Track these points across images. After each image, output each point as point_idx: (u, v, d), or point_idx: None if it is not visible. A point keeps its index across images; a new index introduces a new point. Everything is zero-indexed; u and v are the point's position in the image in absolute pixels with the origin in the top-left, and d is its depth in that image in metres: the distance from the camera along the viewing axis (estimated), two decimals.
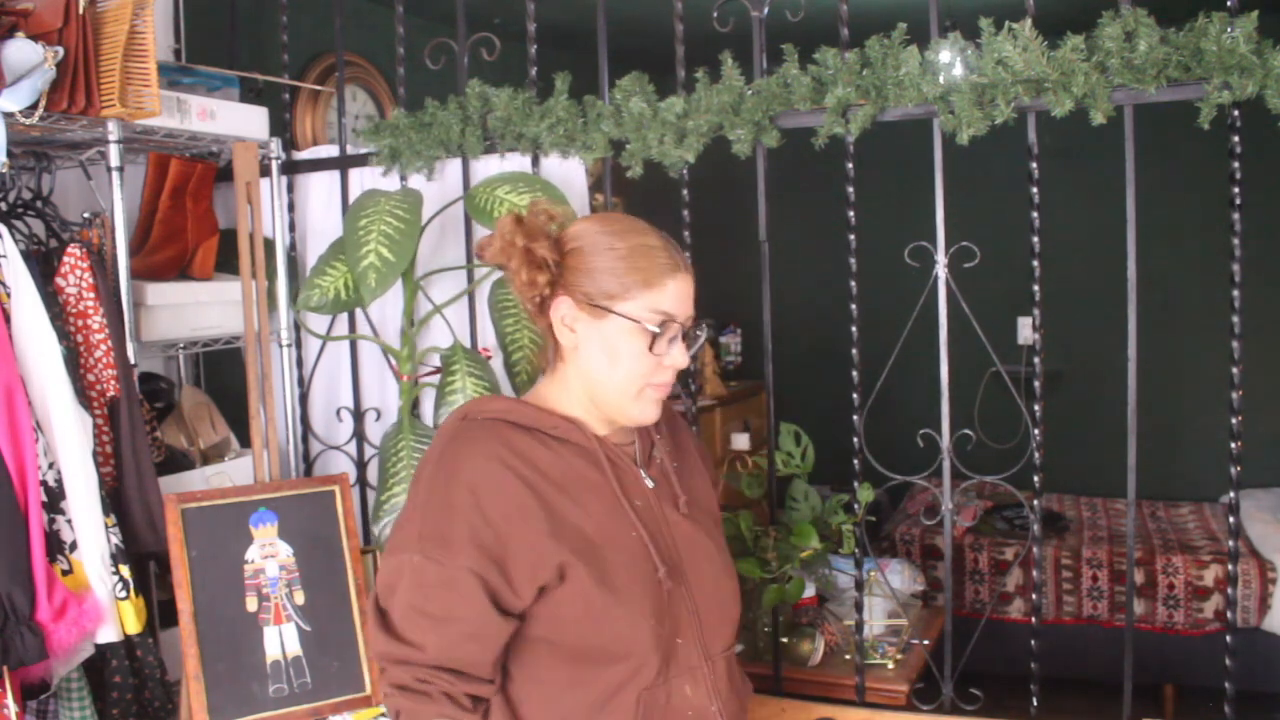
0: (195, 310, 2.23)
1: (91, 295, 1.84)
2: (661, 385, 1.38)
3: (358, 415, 2.44)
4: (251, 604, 1.85)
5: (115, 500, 1.84)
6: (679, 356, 1.36)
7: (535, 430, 1.36)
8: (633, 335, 1.34)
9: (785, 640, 2.43)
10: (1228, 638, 1.89)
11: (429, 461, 1.36)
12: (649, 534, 1.36)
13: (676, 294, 1.35)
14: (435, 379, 2.15)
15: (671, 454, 1.48)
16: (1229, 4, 1.77)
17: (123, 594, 1.77)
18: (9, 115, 1.72)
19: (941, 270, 2.01)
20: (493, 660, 1.30)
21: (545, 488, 1.31)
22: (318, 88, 3.14)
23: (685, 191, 2.18)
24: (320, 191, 2.48)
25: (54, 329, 1.74)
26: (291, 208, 2.47)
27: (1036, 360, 2.00)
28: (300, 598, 1.89)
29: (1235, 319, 1.87)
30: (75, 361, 1.81)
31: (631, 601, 1.31)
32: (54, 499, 1.72)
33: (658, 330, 1.33)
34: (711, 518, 1.50)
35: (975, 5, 2.08)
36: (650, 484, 1.41)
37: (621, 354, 1.34)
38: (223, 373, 2.58)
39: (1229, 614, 1.90)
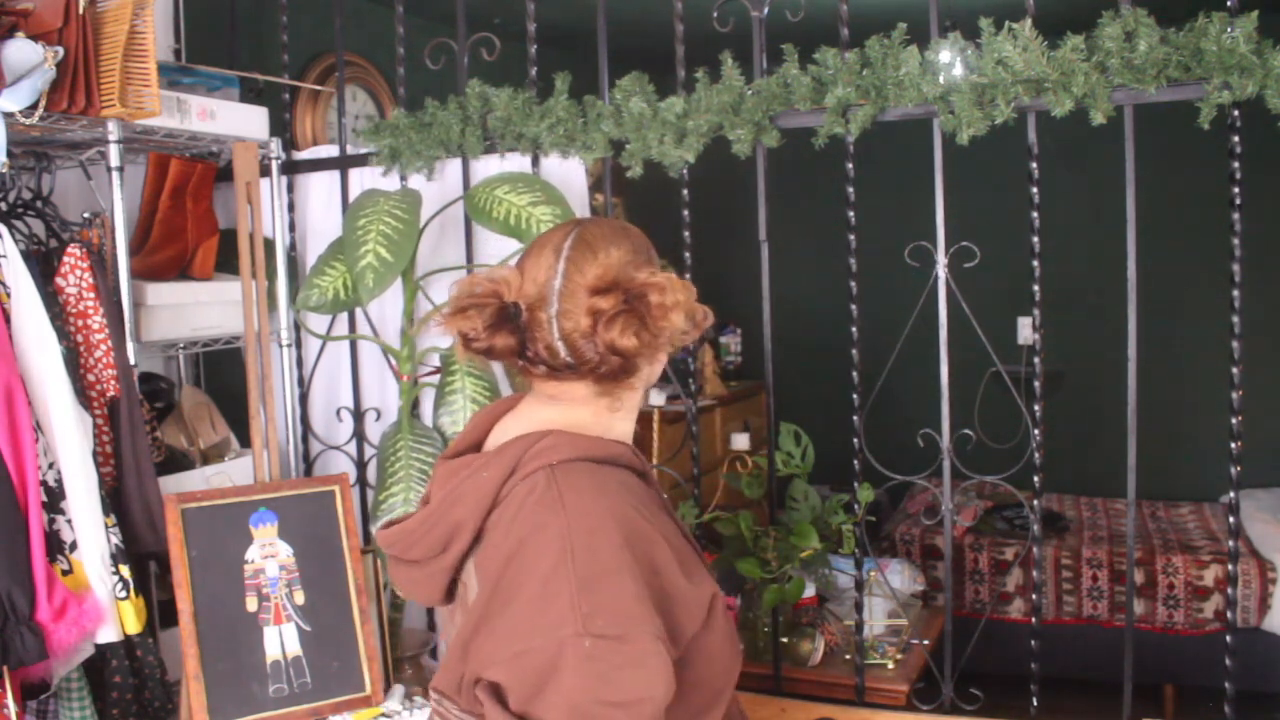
0: (195, 310, 2.23)
1: (91, 295, 1.84)
2: None
3: (358, 415, 2.44)
4: (251, 604, 1.85)
5: (115, 500, 1.84)
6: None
7: (610, 463, 1.19)
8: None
9: (785, 640, 2.43)
10: (1228, 638, 1.89)
11: (543, 534, 1.10)
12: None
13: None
14: (435, 379, 2.15)
15: None
16: (1229, 4, 1.77)
17: (123, 594, 1.77)
18: (9, 115, 1.71)
19: (941, 270, 2.01)
20: None
21: (657, 522, 1.16)
22: (318, 88, 3.14)
23: (685, 191, 2.18)
24: (320, 191, 2.48)
25: (54, 329, 1.74)
26: (291, 208, 2.47)
27: (1036, 360, 2.00)
28: (300, 598, 1.89)
29: (1235, 319, 1.87)
30: (75, 361, 1.81)
31: (735, 637, 1.21)
32: (54, 499, 1.72)
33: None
34: None
35: (975, 5, 2.08)
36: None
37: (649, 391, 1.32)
38: (223, 373, 2.58)
39: (1229, 614, 1.90)
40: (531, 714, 1.04)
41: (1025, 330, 4.56)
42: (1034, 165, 1.95)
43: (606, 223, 1.27)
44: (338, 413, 2.47)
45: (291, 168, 2.47)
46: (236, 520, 1.88)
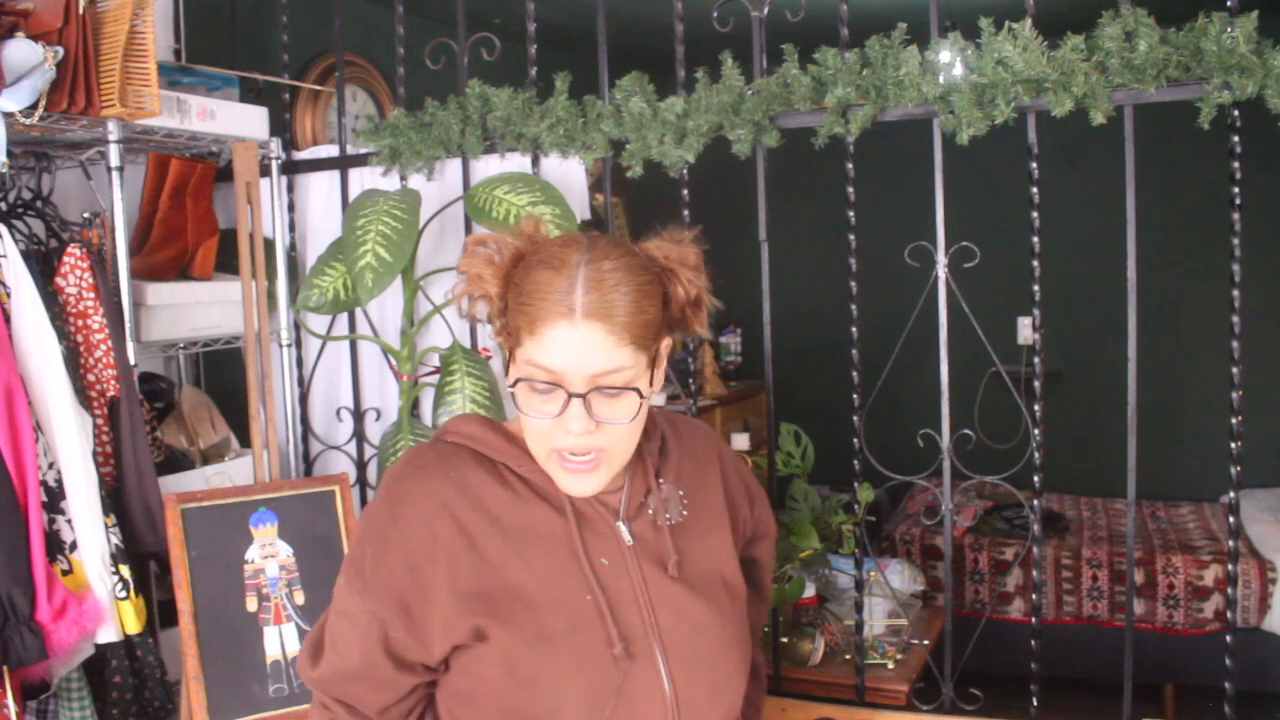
0: (195, 310, 2.23)
1: (91, 295, 1.84)
2: (569, 453, 1.14)
3: (358, 415, 2.44)
4: (251, 604, 1.85)
5: (115, 500, 1.84)
6: (570, 424, 1.11)
7: (501, 464, 1.21)
8: (520, 387, 1.14)
9: (785, 640, 2.43)
10: (1228, 638, 1.89)
11: (389, 475, 1.24)
12: (609, 599, 1.17)
13: (559, 347, 1.09)
14: (435, 379, 2.15)
15: (678, 505, 1.27)
16: (1229, 4, 1.76)
17: (123, 594, 1.77)
18: (9, 115, 1.72)
19: (941, 270, 2.01)
20: (388, 704, 1.21)
21: (486, 536, 1.17)
22: (318, 88, 3.14)
23: (685, 191, 2.18)
24: (320, 191, 2.48)
25: (54, 329, 1.75)
26: (291, 208, 2.47)
27: (1036, 360, 2.00)
28: (300, 598, 1.89)
29: (1235, 319, 1.87)
30: (75, 361, 1.81)
31: (564, 676, 1.14)
32: (54, 499, 1.72)
33: (540, 388, 1.12)
34: (716, 581, 1.27)
35: (975, 5, 2.08)
36: (629, 540, 1.22)
37: (519, 406, 1.15)
38: (223, 373, 2.58)
39: (1229, 614, 1.90)
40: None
41: (1025, 330, 4.56)
42: (1034, 165, 1.95)
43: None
44: (338, 413, 2.47)
45: (291, 168, 2.46)
46: (236, 520, 1.88)
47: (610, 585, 1.19)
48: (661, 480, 1.27)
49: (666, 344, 1.19)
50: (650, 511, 1.25)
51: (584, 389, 1.10)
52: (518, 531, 1.18)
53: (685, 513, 1.27)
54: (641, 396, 1.13)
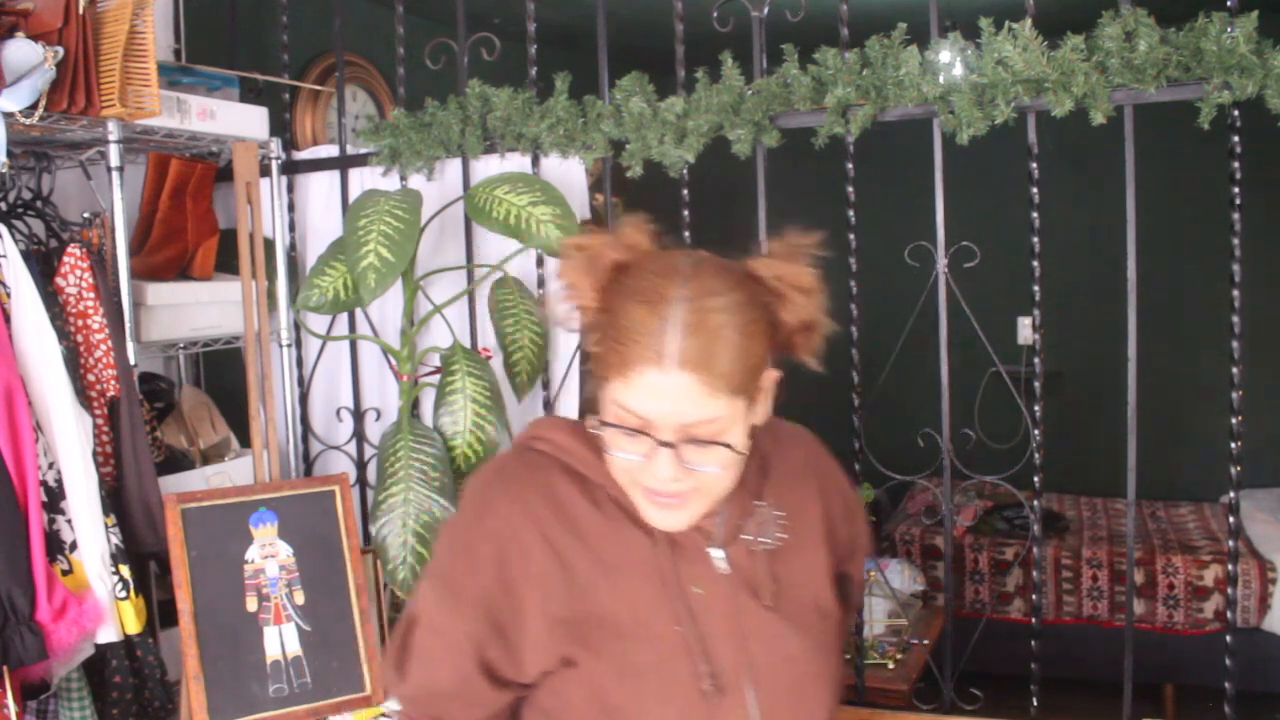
0: (195, 310, 2.23)
1: (91, 295, 1.84)
2: (656, 492, 1.07)
3: (358, 415, 2.44)
4: (251, 604, 1.85)
5: (115, 500, 1.84)
6: (657, 471, 1.04)
7: (591, 481, 1.14)
8: (606, 427, 1.07)
9: None
10: (1228, 638, 1.89)
11: (475, 484, 1.17)
12: (701, 629, 1.11)
13: (649, 393, 1.01)
14: (435, 379, 2.15)
15: (777, 527, 1.18)
16: (1229, 4, 1.77)
17: (123, 594, 1.77)
18: (9, 115, 1.71)
19: (941, 270, 2.01)
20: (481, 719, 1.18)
21: (577, 558, 1.11)
22: (318, 88, 3.14)
23: (685, 191, 2.18)
24: (320, 191, 2.48)
25: (54, 329, 1.74)
26: (291, 208, 2.47)
27: (1036, 360, 2.00)
28: (300, 598, 1.89)
29: (1235, 319, 1.87)
30: (75, 361, 1.80)
31: (651, 709, 1.10)
32: (54, 499, 1.72)
33: (628, 432, 1.04)
34: (813, 610, 1.19)
35: (975, 5, 2.08)
36: (725, 568, 1.14)
37: (605, 442, 1.08)
38: (223, 373, 2.58)
39: (1229, 614, 1.90)
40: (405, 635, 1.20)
41: (1025, 330, 4.56)
42: (1034, 165, 1.95)
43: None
44: (338, 413, 2.47)
45: (291, 168, 2.46)
46: (236, 520, 1.88)
47: (701, 615, 1.12)
48: (761, 502, 1.18)
49: (772, 376, 1.11)
50: (747, 536, 1.16)
51: (674, 438, 1.02)
52: (608, 555, 1.12)
53: (783, 535, 1.17)
54: (735, 451, 1.06)
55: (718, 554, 1.14)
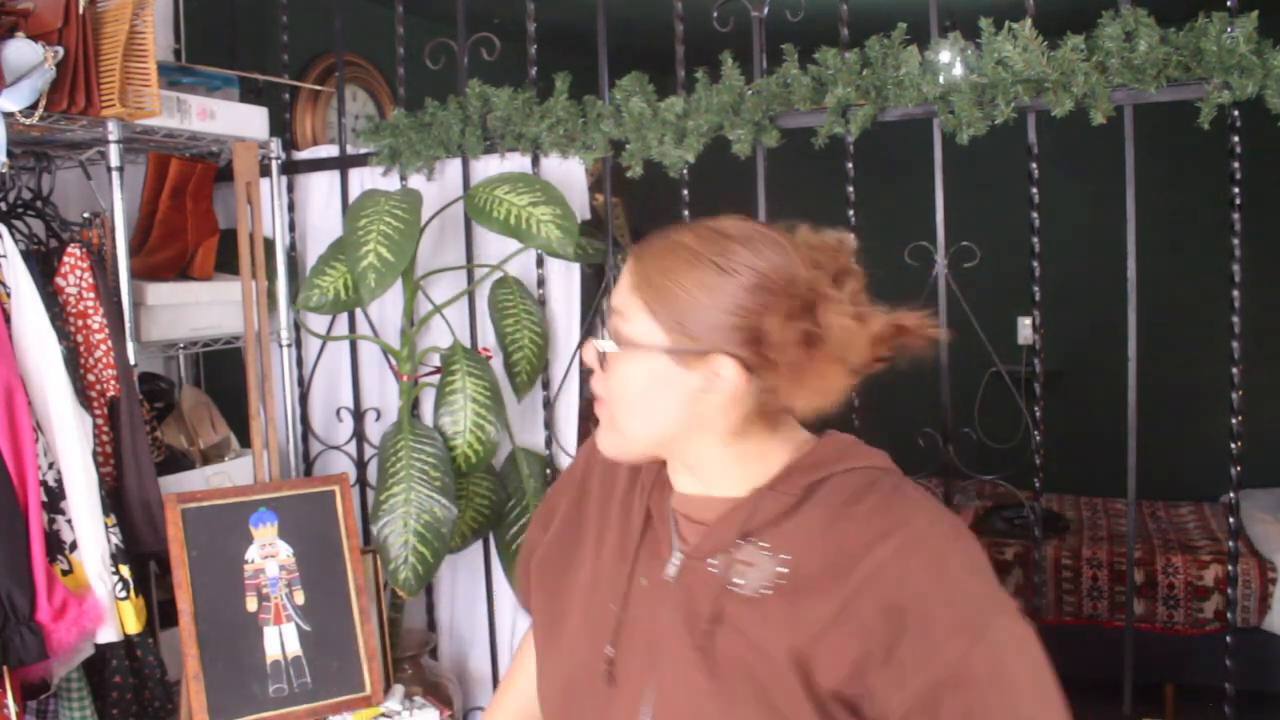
0: (195, 310, 2.23)
1: (91, 295, 1.84)
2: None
3: (358, 415, 2.44)
4: (251, 604, 1.85)
5: (115, 500, 1.84)
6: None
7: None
8: None
9: None
10: (1228, 638, 1.89)
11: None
12: (627, 617, 1.09)
13: None
14: (435, 379, 2.16)
15: (761, 577, 1.02)
16: (1229, 4, 1.76)
17: (123, 594, 1.77)
18: (9, 115, 1.72)
19: (941, 270, 2.01)
20: None
21: (594, 515, 1.23)
22: (318, 88, 3.14)
23: (685, 191, 2.18)
24: (320, 191, 2.48)
25: (54, 329, 1.75)
26: (291, 208, 2.47)
27: (1036, 360, 2.00)
28: (300, 598, 1.89)
29: (1235, 319, 1.87)
30: (75, 361, 1.81)
31: (556, 670, 1.17)
32: (54, 499, 1.72)
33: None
34: (749, 682, 1.00)
35: (975, 5, 2.08)
36: (672, 573, 1.07)
37: None
38: (223, 373, 2.58)
39: (1229, 614, 1.90)
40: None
41: (1025, 330, 4.55)
42: (1034, 165, 1.95)
43: None
44: (338, 413, 2.47)
45: (291, 168, 2.47)
46: (236, 520, 1.88)
47: (633, 607, 1.08)
48: (752, 541, 1.04)
49: (729, 365, 1.02)
50: (713, 563, 1.05)
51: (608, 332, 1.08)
52: (615, 517, 1.18)
53: (768, 591, 1.01)
54: (628, 367, 1.05)
55: (675, 559, 1.07)
